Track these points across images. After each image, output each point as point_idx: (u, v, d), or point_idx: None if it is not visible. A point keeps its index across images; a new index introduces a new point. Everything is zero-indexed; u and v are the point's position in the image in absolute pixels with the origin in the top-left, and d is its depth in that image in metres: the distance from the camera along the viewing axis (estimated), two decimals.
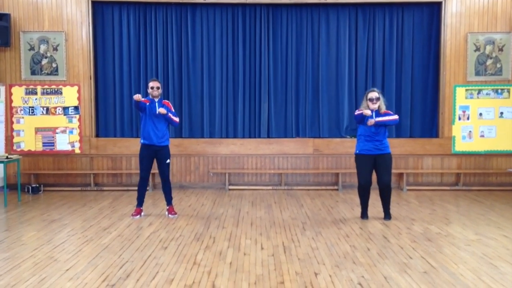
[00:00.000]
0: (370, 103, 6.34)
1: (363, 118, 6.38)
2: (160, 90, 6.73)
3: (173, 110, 6.87)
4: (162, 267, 4.57)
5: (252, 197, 8.38)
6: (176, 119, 6.80)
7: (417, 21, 9.31)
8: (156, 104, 6.66)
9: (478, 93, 9.12)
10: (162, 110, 6.52)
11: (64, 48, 8.97)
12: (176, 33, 9.31)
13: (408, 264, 4.64)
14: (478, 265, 4.63)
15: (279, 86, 9.45)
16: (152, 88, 6.66)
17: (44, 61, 9.00)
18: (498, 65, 9.07)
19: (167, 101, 6.98)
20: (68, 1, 8.95)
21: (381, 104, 6.40)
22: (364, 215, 6.64)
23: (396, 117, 6.45)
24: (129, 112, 9.32)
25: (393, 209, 6.96)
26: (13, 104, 9.04)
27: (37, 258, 4.87)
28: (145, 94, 6.93)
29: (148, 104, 6.63)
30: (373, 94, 6.37)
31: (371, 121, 6.26)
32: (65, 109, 9.09)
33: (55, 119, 9.09)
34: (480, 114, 9.14)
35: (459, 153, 9.18)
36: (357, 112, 6.45)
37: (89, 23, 9.00)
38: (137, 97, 6.38)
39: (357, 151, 6.51)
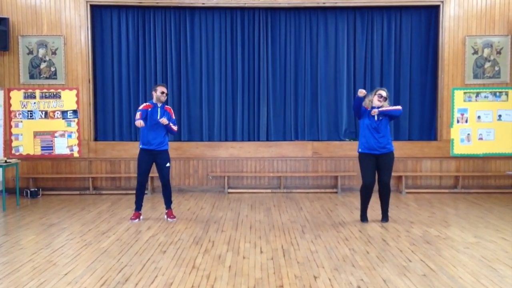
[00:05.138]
0: (377, 98, 6.35)
1: (360, 104, 6.36)
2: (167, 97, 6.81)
3: (174, 118, 6.86)
4: (161, 271, 4.57)
5: (251, 200, 8.38)
6: (175, 128, 6.81)
7: (415, 25, 9.33)
8: (159, 109, 6.65)
9: (477, 96, 9.13)
10: (164, 121, 6.51)
11: (63, 52, 8.98)
12: (175, 37, 9.32)
13: (407, 267, 4.63)
14: (477, 268, 4.63)
15: (278, 89, 9.46)
16: (162, 93, 6.66)
17: (43, 65, 9.00)
18: (496, 68, 9.09)
19: (169, 107, 6.95)
20: (66, 5, 8.96)
21: (385, 106, 6.40)
22: (363, 217, 6.64)
23: (399, 107, 6.47)
24: (127, 115, 9.31)
25: (392, 212, 6.96)
26: (11, 108, 9.03)
27: (35, 262, 4.86)
28: (144, 98, 6.91)
29: (149, 109, 6.63)
30: (383, 92, 6.41)
31: (374, 111, 6.27)
32: (64, 113, 9.09)
33: (54, 123, 9.09)
34: (479, 117, 9.15)
35: (457, 156, 9.19)
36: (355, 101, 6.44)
37: (87, 27, 9.01)
38: (140, 124, 6.42)
39: (360, 150, 6.51)
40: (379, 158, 6.42)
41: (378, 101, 6.36)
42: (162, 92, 6.67)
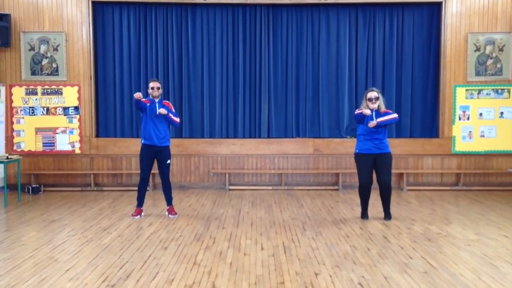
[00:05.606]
0: (369, 103, 6.36)
1: (363, 118, 6.39)
2: (160, 91, 6.74)
3: (174, 111, 6.87)
4: (162, 267, 4.58)
5: (252, 197, 8.38)
6: (177, 120, 6.80)
7: (417, 21, 9.31)
8: (157, 104, 6.66)
9: (478, 93, 9.12)
10: (162, 111, 6.53)
11: (65, 48, 8.98)
12: (176, 33, 9.31)
13: (408, 264, 4.64)
14: (478, 265, 4.63)
15: (279, 86, 9.45)
16: (152, 88, 6.67)
17: (45, 61, 9.00)
18: (498, 65, 9.07)
19: (167, 101, 6.99)
20: (68, 1, 8.95)
21: (381, 104, 6.42)
22: (364, 215, 6.65)
23: (395, 115, 6.46)
24: (129, 112, 9.32)
25: (393, 209, 6.96)
26: (13, 105, 9.04)
27: (37, 258, 4.87)
28: (146, 95, 6.95)
29: (148, 104, 6.63)
30: (372, 94, 6.39)
31: (372, 123, 6.27)
32: (65, 109, 9.10)
33: (55, 119, 9.09)
34: (480, 114, 9.14)
35: (459, 153, 9.18)
36: (357, 112, 6.46)
37: (89, 23, 9.01)
38: (138, 95, 6.38)
39: (357, 151, 6.53)
40: (376, 158, 6.43)
41: (373, 104, 6.35)
42: (152, 88, 6.67)
